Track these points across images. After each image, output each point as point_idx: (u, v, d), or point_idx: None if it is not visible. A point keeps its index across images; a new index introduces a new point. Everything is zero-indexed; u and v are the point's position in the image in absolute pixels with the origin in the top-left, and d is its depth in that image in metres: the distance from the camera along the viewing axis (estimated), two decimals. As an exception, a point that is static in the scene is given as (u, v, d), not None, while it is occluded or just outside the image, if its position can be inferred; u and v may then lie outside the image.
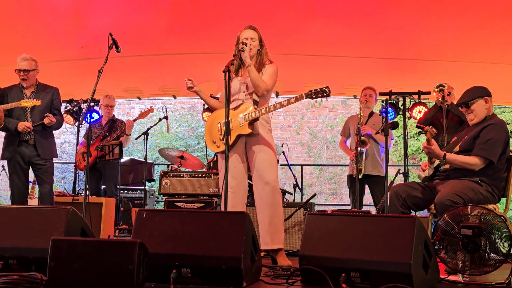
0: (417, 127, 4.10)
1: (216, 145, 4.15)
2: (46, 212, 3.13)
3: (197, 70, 7.41)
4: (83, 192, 4.71)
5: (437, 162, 4.01)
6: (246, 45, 4.05)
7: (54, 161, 5.48)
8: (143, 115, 6.83)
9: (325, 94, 3.89)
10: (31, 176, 5.44)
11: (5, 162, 5.56)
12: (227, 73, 3.82)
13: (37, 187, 5.44)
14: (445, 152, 3.87)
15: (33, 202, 6.04)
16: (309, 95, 3.92)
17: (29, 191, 5.51)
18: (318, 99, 3.93)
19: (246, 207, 4.20)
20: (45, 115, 5.18)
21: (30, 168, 5.35)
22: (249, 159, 4.13)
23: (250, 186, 4.56)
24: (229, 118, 3.79)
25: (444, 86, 5.35)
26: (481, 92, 3.98)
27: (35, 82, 5.35)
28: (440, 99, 5.42)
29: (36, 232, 3.02)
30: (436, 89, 5.45)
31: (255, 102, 4.09)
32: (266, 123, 4.17)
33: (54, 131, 5.54)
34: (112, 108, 6.96)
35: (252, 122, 4.02)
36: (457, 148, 3.99)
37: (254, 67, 4.05)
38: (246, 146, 4.14)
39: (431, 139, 3.81)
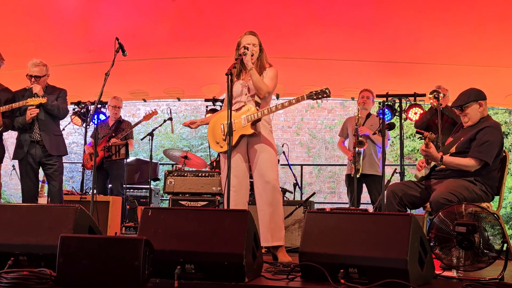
0: (417, 132, 4.17)
1: (219, 145, 4.22)
2: (55, 210, 3.14)
3: (200, 73, 7.48)
4: (91, 191, 4.78)
5: (433, 162, 4.06)
6: (248, 50, 4.14)
7: (64, 160, 5.51)
8: (147, 117, 6.91)
9: (325, 95, 3.97)
10: (41, 175, 5.50)
11: (16, 162, 5.61)
12: (229, 76, 3.92)
13: (46, 185, 5.49)
14: (442, 154, 3.92)
15: (42, 200, 6.09)
16: (310, 96, 4.00)
17: (39, 189, 5.56)
18: (318, 100, 4.03)
19: (248, 205, 4.28)
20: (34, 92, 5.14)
21: (40, 167, 5.39)
22: (251, 158, 4.20)
23: (252, 185, 4.64)
24: (232, 119, 3.86)
25: (439, 93, 5.40)
26: (476, 96, 4.02)
27: (45, 85, 5.37)
28: (435, 104, 5.49)
29: (46, 229, 3.04)
30: (430, 95, 5.51)
31: (257, 104, 4.17)
32: (268, 124, 4.25)
33: (63, 132, 5.58)
34: (119, 109, 7.04)
35: (254, 123, 4.10)
36: (453, 149, 4.04)
37: (256, 71, 4.15)
38: (248, 146, 4.21)
39: (429, 143, 3.88)
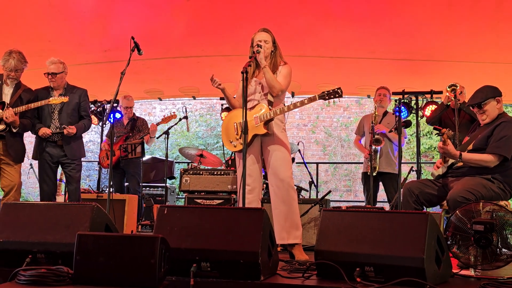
0: (434, 128, 4.14)
1: (233, 145, 4.22)
2: (72, 208, 3.17)
3: (215, 72, 7.40)
4: (107, 189, 4.81)
5: (451, 160, 4.03)
6: (261, 48, 4.13)
7: (81, 160, 5.55)
8: (165, 120, 6.93)
9: (337, 95, 3.95)
10: (58, 173, 5.55)
11: (32, 161, 5.66)
12: (245, 74, 3.92)
13: (63, 184, 5.54)
14: (460, 151, 3.90)
15: (60, 198, 6.14)
16: (322, 96, 3.98)
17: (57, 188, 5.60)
18: (333, 99, 4.01)
19: (263, 204, 4.27)
20: (62, 126, 5.20)
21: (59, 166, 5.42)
22: (265, 157, 4.19)
23: (266, 184, 4.64)
24: (245, 118, 3.87)
25: (456, 86, 5.37)
26: (493, 93, 4.01)
27: (64, 84, 5.40)
28: (452, 98, 5.45)
29: (63, 227, 3.07)
30: (448, 89, 5.47)
31: (270, 103, 4.15)
32: (281, 122, 4.23)
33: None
34: (132, 109, 7.08)
35: (267, 122, 4.09)
36: (470, 147, 4.02)
37: (269, 68, 4.13)
38: (261, 145, 4.20)
39: (447, 140, 3.85)
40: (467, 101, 5.56)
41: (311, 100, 4.00)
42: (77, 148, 5.41)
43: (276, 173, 4.09)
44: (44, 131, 5.24)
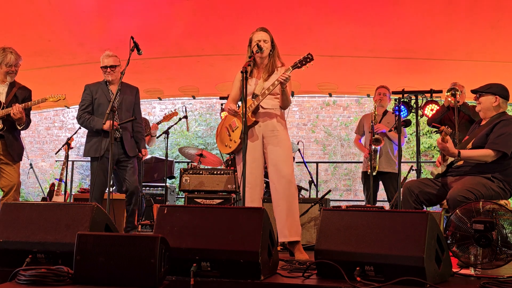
0: (432, 126, 4.13)
1: (228, 147, 4.26)
2: (72, 208, 3.17)
3: (215, 71, 7.51)
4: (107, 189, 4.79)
5: (450, 159, 4.03)
6: (262, 49, 4.11)
7: (81, 158, 5.49)
8: (167, 118, 6.94)
9: (308, 59, 3.97)
10: (56, 174, 5.52)
11: (32, 161, 5.61)
12: (244, 73, 3.92)
13: (63, 184, 5.51)
14: (459, 150, 3.91)
15: (60, 198, 6.13)
16: (295, 66, 4.00)
17: (55, 188, 5.56)
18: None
19: (263, 203, 4.27)
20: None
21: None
22: (266, 154, 4.19)
23: (267, 183, 4.65)
24: (234, 119, 3.89)
25: (456, 90, 5.37)
26: (496, 90, 4.02)
27: (119, 78, 5.18)
28: (452, 102, 5.45)
29: (63, 227, 3.08)
30: (447, 93, 5.47)
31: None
32: (282, 119, 4.24)
33: (80, 131, 5.57)
34: None
35: (255, 111, 4.12)
36: (469, 146, 4.02)
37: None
38: (263, 142, 4.20)
39: (446, 137, 3.85)
40: (466, 101, 5.58)
41: (285, 75, 3.95)
42: (134, 145, 5.34)
43: (277, 170, 4.09)
44: (110, 123, 4.89)
